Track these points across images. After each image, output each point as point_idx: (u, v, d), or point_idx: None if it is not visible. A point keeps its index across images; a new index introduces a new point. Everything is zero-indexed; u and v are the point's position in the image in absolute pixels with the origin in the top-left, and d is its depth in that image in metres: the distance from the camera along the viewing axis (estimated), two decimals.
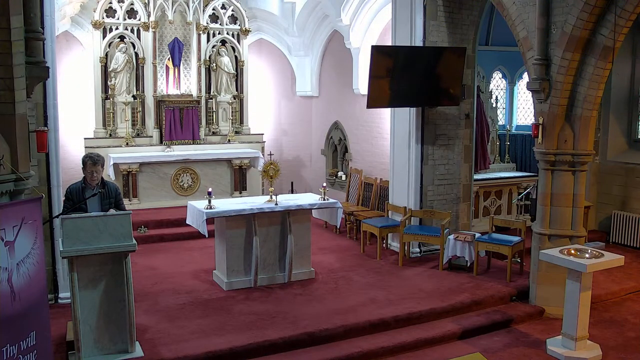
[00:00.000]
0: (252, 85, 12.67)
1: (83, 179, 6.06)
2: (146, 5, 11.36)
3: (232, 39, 12.24)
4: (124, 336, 5.62)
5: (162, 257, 9.04)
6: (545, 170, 7.16)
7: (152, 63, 11.43)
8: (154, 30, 11.38)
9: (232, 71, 12.28)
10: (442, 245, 8.40)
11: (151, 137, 11.53)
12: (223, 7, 12.10)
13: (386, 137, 10.42)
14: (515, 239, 8.07)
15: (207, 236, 7.78)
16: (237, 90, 12.39)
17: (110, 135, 11.31)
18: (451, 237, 8.35)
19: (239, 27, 12.24)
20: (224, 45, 12.21)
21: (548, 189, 7.17)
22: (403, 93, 8.43)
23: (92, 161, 5.99)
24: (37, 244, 4.60)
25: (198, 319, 6.53)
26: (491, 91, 11.40)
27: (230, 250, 7.53)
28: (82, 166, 6.05)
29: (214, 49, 12.10)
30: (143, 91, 11.55)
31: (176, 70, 11.69)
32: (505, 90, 12.36)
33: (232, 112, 12.29)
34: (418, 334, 6.48)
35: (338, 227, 10.27)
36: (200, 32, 11.77)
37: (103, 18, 11.15)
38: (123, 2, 11.28)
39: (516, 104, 12.44)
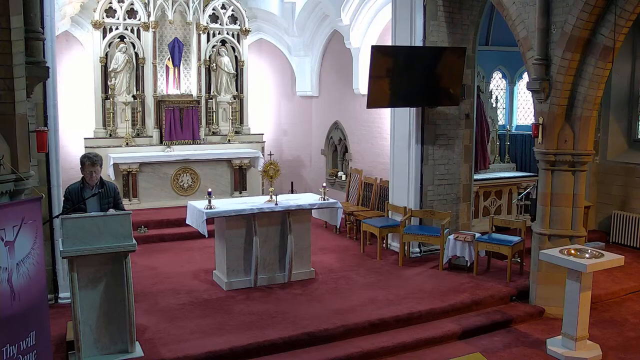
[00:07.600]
0: (252, 85, 12.68)
1: (82, 179, 6.06)
2: (146, 5, 11.36)
3: (232, 39, 12.24)
4: (124, 336, 5.62)
5: (162, 257, 9.04)
6: (545, 170, 7.16)
7: (152, 63, 11.43)
8: (154, 30, 11.38)
9: (232, 71, 12.28)
10: (442, 245, 8.39)
11: (151, 137, 11.53)
12: (223, 7, 12.11)
13: (386, 137, 10.42)
14: (515, 239, 8.07)
15: (207, 236, 7.78)
16: (237, 90, 12.39)
17: (110, 135, 11.32)
18: (451, 237, 8.35)
19: (239, 27, 12.24)
20: (224, 45, 12.22)
21: (548, 189, 7.16)
22: (403, 93, 8.43)
23: (90, 161, 5.98)
24: (37, 244, 4.59)
25: (198, 319, 6.53)
26: (491, 91, 11.40)
27: (230, 250, 7.53)
28: (80, 166, 6.05)
29: (214, 49, 12.10)
30: (143, 91, 11.55)
31: (176, 70, 11.69)
32: (505, 90, 12.35)
33: (232, 112, 12.29)
34: (418, 334, 6.48)
35: (338, 227, 10.27)
36: (200, 32, 11.77)
37: (103, 18, 11.16)
38: (123, 2, 11.29)
39: (516, 104, 12.44)
